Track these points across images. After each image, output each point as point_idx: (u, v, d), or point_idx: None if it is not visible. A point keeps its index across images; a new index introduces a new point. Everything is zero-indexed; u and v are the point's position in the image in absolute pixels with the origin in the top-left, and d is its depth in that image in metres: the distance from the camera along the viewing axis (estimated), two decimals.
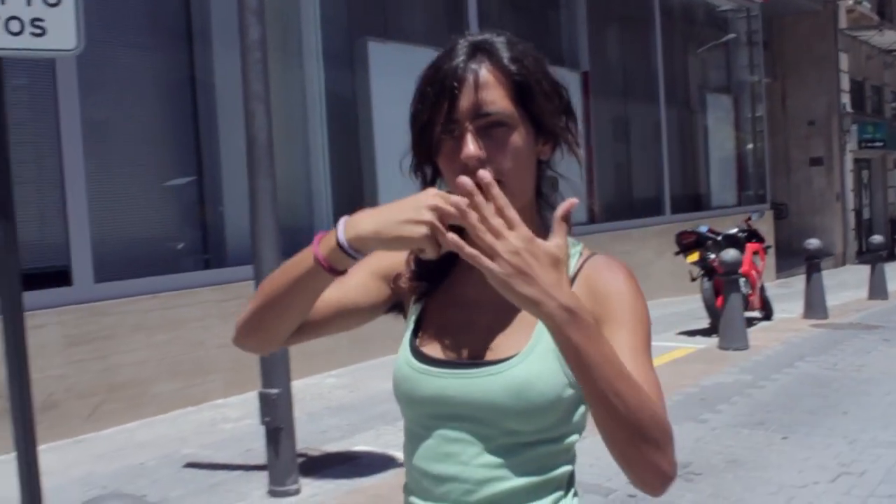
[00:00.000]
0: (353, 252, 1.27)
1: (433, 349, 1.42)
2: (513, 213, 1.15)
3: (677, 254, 10.32)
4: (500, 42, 1.37)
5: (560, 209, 1.19)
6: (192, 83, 7.84)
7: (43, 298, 6.14)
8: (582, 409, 1.37)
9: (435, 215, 1.21)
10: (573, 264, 1.40)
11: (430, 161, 1.40)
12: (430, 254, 1.24)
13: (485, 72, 1.33)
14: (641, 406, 1.19)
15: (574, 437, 1.39)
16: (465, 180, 1.16)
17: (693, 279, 10.15)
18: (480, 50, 1.35)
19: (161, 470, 5.46)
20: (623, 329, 1.32)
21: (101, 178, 6.87)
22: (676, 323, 10.49)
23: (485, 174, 1.16)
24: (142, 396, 6.68)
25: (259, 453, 5.35)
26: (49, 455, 5.77)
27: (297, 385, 5.61)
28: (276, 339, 1.44)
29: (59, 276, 6.39)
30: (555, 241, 1.18)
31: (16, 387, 3.69)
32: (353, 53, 9.35)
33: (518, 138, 1.34)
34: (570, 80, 12.27)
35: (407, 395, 1.41)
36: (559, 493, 1.37)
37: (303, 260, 1.32)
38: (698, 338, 9.52)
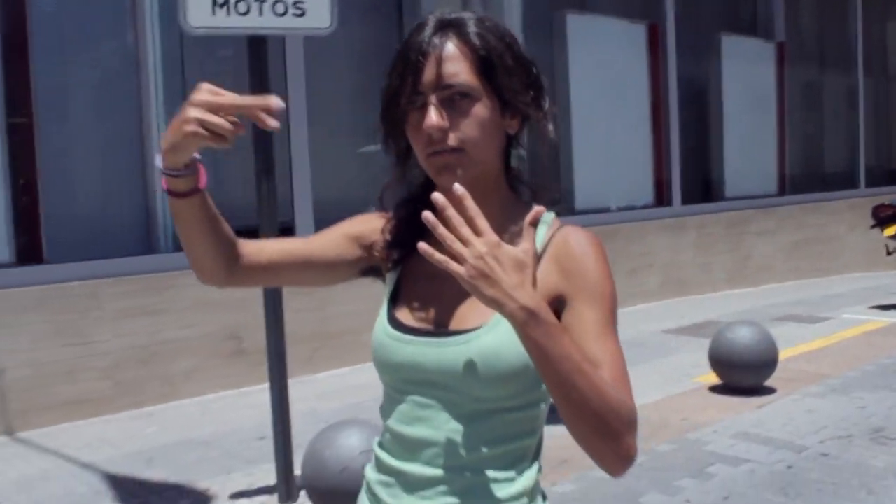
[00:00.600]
0: (169, 171, 1.34)
1: (407, 317, 1.47)
2: (482, 223, 1.23)
3: (873, 227, 10.14)
4: (468, 18, 1.41)
5: (530, 216, 1.26)
6: None
7: None
8: None
9: (201, 110, 1.25)
10: (541, 236, 1.43)
11: (399, 132, 1.45)
12: (214, 145, 1.28)
13: (450, 46, 1.37)
14: (600, 400, 1.24)
15: (542, 407, 1.44)
16: (437, 196, 1.23)
17: (889, 253, 9.97)
18: (448, 26, 1.40)
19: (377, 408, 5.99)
20: (588, 305, 1.36)
21: (322, 143, 7.48)
22: (869, 297, 10.33)
23: (457, 188, 1.23)
24: (353, 344, 7.26)
25: None
26: (268, 394, 6.45)
27: None
28: (210, 271, 1.50)
29: (284, 233, 7.04)
30: (522, 246, 1.24)
31: (272, 330, 4.26)
32: (553, 26, 9.67)
33: (481, 109, 1.38)
34: (764, 50, 12.23)
35: (382, 361, 1.47)
36: (525, 463, 1.43)
37: (170, 204, 1.42)
38: (893, 312, 9.38)
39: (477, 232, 1.22)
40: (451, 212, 1.22)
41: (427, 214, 1.22)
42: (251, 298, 6.59)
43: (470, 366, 1.34)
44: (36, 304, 5.73)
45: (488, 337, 1.35)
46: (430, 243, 1.25)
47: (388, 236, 1.54)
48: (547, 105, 1.46)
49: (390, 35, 8.30)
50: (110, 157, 6.65)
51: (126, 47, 6.76)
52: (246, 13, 3.93)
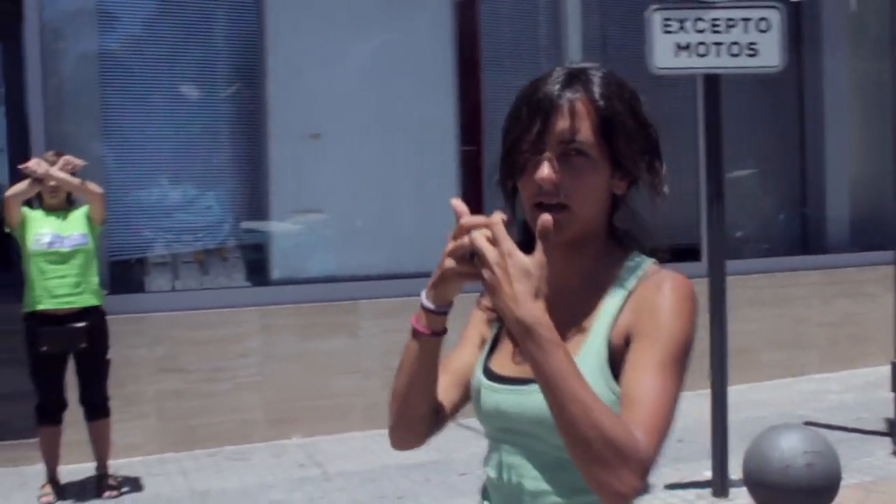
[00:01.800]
0: (435, 307, 1.40)
1: (498, 366, 1.49)
2: (497, 232, 1.25)
3: None
4: (596, 75, 1.42)
5: (539, 225, 1.26)
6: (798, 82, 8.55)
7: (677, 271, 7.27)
8: None
9: (450, 259, 1.32)
10: (632, 281, 1.42)
11: (512, 177, 1.45)
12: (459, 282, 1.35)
13: (577, 102, 1.38)
14: (591, 426, 1.20)
15: None
16: (456, 203, 1.32)
17: None
18: (576, 79, 1.41)
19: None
20: (650, 342, 1.34)
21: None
22: None
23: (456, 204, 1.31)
24: (751, 362, 7.54)
25: (872, 422, 5.93)
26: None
27: None
28: (422, 426, 1.53)
29: (690, 253, 7.48)
30: (533, 257, 1.24)
31: (716, 337, 4.73)
32: None
33: (594, 170, 1.39)
34: None
35: (477, 409, 1.50)
36: None
37: (408, 347, 1.46)
38: None
39: (494, 242, 1.24)
40: (466, 219, 1.28)
41: (466, 238, 1.27)
42: None
43: (548, 413, 1.27)
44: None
45: None
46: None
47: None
48: (661, 168, 1.46)
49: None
50: None
51: None
52: (704, 55, 4.45)
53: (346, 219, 6.61)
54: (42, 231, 4.86)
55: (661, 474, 5.20)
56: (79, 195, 4.95)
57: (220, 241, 6.47)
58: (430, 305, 1.40)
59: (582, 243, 1.44)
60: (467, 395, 1.55)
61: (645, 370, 1.31)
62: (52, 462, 5.08)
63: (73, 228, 4.91)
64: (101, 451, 5.13)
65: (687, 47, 4.44)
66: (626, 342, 1.37)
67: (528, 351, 1.22)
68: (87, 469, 5.31)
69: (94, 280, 4.96)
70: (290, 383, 6.07)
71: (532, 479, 1.41)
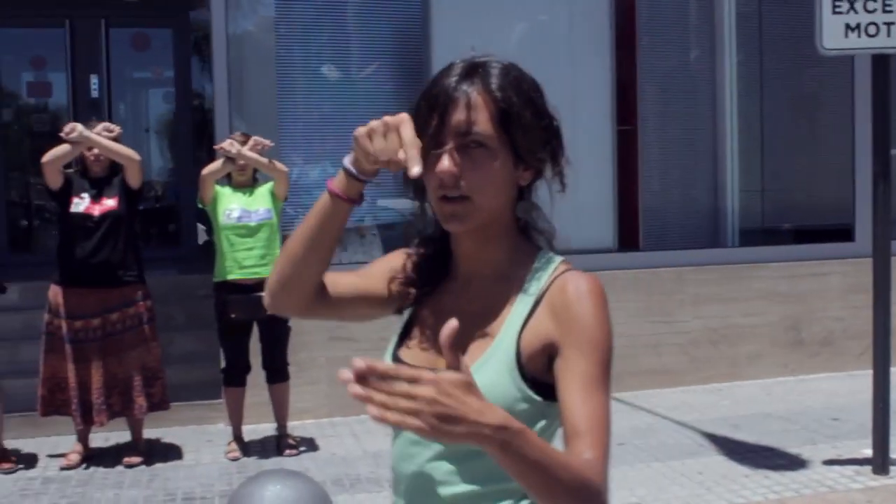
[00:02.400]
0: (357, 172, 1.40)
1: (408, 355, 1.48)
2: (407, 370, 1.13)
3: None
4: (494, 66, 1.43)
5: (443, 336, 1.15)
6: None
7: (829, 251, 7.23)
8: (542, 423, 1.40)
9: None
10: (542, 282, 1.43)
11: None
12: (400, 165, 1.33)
13: (474, 94, 1.39)
14: (570, 491, 1.22)
15: None
16: (347, 374, 1.13)
17: None
18: (474, 72, 1.41)
19: None
20: (579, 354, 1.34)
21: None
22: None
23: (358, 363, 1.13)
24: None
25: None
26: (827, 383, 6.88)
27: None
28: (307, 292, 1.51)
29: (843, 233, 7.42)
30: (461, 375, 1.14)
31: (879, 315, 4.76)
32: None
33: (494, 161, 1.39)
34: None
35: None
36: (509, 501, 1.41)
37: (319, 203, 1.44)
38: None
39: (411, 380, 1.12)
40: (379, 373, 1.12)
41: (344, 375, 1.13)
42: (813, 293, 7.09)
43: None
44: (631, 284, 6.73)
45: (475, 377, 1.22)
46: (443, 285, 1.47)
47: (407, 273, 1.55)
48: (563, 158, 1.48)
49: None
50: (690, 161, 7.51)
51: (704, 65, 7.56)
52: (874, 35, 4.46)
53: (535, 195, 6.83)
54: (231, 206, 5.25)
55: (817, 450, 5.27)
56: (267, 173, 5.31)
57: (375, 220, 6.80)
58: (352, 169, 1.40)
59: (491, 233, 1.46)
60: (357, 305, 1.57)
61: (584, 387, 1.32)
62: (236, 421, 5.49)
63: (260, 204, 5.28)
64: (280, 412, 5.51)
65: (856, 28, 4.46)
66: (546, 349, 1.38)
67: (514, 450, 1.16)
68: (267, 429, 5.72)
69: (278, 252, 5.32)
70: None
71: (438, 468, 1.42)
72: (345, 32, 6.94)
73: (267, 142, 5.31)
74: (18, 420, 5.58)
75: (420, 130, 1.36)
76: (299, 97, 6.78)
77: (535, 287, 1.42)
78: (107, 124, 5.24)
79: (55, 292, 5.18)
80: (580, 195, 6.66)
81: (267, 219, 5.28)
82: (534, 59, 6.34)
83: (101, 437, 5.63)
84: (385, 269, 1.58)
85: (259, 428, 5.77)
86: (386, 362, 1.23)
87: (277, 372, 5.44)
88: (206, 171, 5.29)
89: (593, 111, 7.01)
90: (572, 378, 1.33)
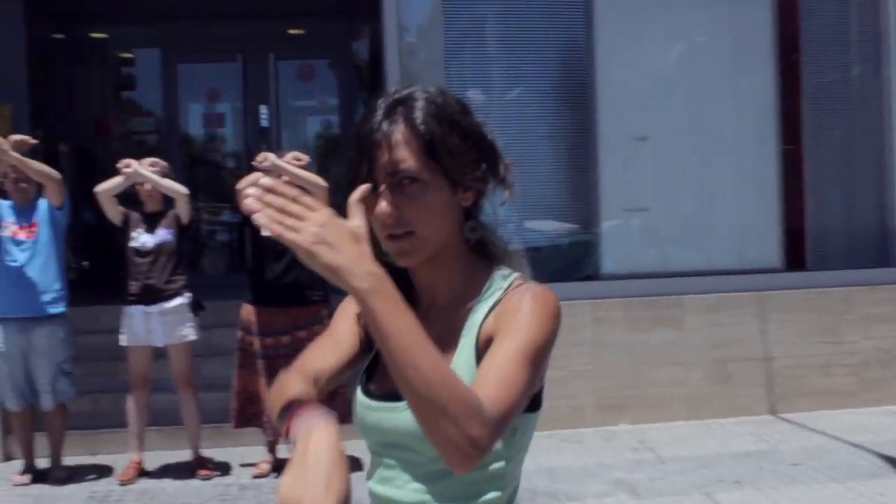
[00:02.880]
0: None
1: (376, 384, 1.53)
2: (309, 199, 1.22)
3: None
4: (417, 98, 1.45)
5: (354, 194, 1.31)
6: None
7: None
8: (514, 436, 1.46)
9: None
10: (496, 297, 1.48)
11: None
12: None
13: (397, 133, 1.41)
14: (438, 379, 1.24)
15: (499, 465, 1.47)
16: (249, 195, 1.27)
17: None
18: (396, 108, 1.44)
19: None
20: (507, 338, 1.38)
21: None
22: None
23: (264, 182, 1.23)
24: None
25: None
26: None
27: None
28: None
29: None
30: (354, 222, 1.27)
31: None
32: None
33: (428, 192, 1.42)
34: None
35: (358, 426, 1.55)
36: None
37: None
38: None
39: (309, 207, 1.22)
40: (272, 197, 1.22)
41: (248, 202, 1.25)
42: None
43: (420, 429, 1.31)
44: (800, 304, 6.69)
45: None
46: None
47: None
48: (502, 171, 1.51)
49: None
50: (856, 178, 7.41)
51: (869, 80, 7.44)
52: None
53: (671, 216, 6.92)
54: None
55: None
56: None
57: (553, 240, 6.97)
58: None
59: (442, 260, 1.49)
60: (343, 371, 1.57)
61: (495, 358, 1.36)
62: None
63: None
64: None
65: None
66: (486, 348, 1.42)
67: (373, 307, 1.23)
68: None
69: None
70: (618, 372, 6.44)
71: (411, 491, 1.47)
72: (511, 62, 7.15)
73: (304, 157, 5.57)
74: (209, 431, 5.95)
75: (355, 175, 1.42)
76: None
77: (488, 304, 1.47)
78: (296, 153, 5.57)
79: (248, 311, 5.53)
80: (745, 215, 6.75)
81: None
82: (695, 78, 6.46)
83: (286, 449, 5.95)
84: (350, 315, 1.60)
85: None
86: (294, 193, 1.24)
87: None
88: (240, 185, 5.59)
89: (756, 130, 7.03)
90: (491, 354, 1.38)
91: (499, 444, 1.37)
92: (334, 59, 10.69)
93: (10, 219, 5.53)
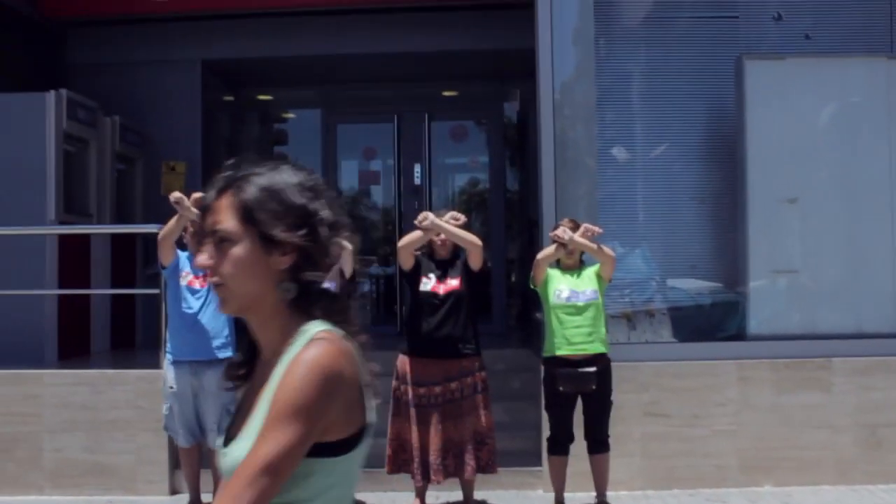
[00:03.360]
0: None
1: (231, 430, 1.71)
2: None
3: None
4: (241, 175, 1.68)
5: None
6: None
7: None
8: (313, 479, 1.59)
9: None
10: (294, 351, 1.60)
11: None
12: None
13: (222, 199, 1.67)
14: None
15: None
16: None
17: None
18: (226, 180, 1.68)
19: None
20: (268, 411, 1.55)
21: None
22: None
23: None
24: None
25: None
26: None
27: None
28: None
29: None
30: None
31: None
32: None
33: (239, 250, 1.64)
34: None
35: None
36: None
37: None
38: None
39: None
40: None
41: None
42: None
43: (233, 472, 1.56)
44: None
45: (237, 446, 1.60)
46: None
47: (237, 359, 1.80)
48: (324, 237, 1.67)
49: None
50: None
51: None
52: None
53: (819, 278, 6.90)
54: (561, 287, 5.72)
55: None
56: (595, 257, 5.75)
57: (696, 299, 7.04)
58: None
59: (262, 316, 1.68)
60: None
61: (245, 462, 1.53)
62: (559, 486, 5.87)
63: (587, 285, 5.71)
64: (600, 481, 5.83)
65: None
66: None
67: None
68: (584, 497, 6.04)
69: (603, 330, 5.72)
70: (764, 433, 6.42)
71: None
72: (661, 120, 7.32)
73: (596, 229, 5.74)
74: (362, 474, 6.23)
75: (200, 235, 1.70)
76: (618, 184, 7.21)
77: (289, 355, 1.60)
78: (454, 213, 5.87)
79: (403, 361, 5.83)
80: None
81: (593, 299, 5.69)
82: (845, 138, 6.48)
83: (433, 496, 6.17)
84: None
85: (576, 496, 6.11)
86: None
87: (599, 443, 5.77)
88: (541, 255, 5.80)
89: None
90: (251, 451, 1.53)
91: (299, 487, 1.57)
92: (485, 119, 11.08)
93: (187, 269, 6.00)
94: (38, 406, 6.66)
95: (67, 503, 6.32)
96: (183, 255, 6.04)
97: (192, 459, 6.07)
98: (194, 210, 5.79)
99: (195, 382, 5.87)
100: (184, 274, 5.98)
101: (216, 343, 5.90)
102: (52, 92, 8.02)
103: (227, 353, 5.91)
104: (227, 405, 5.89)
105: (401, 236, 6.21)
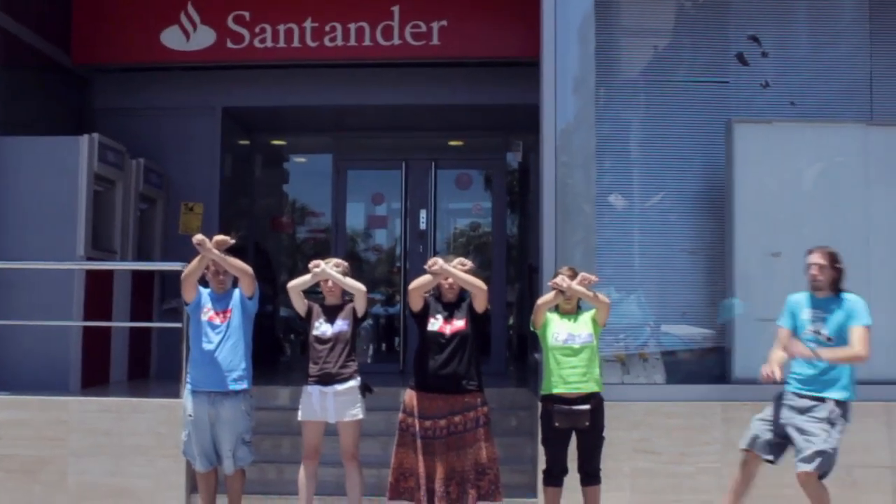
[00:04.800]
0: None
1: None
2: None
3: None
4: None
5: None
6: None
7: None
8: None
9: None
10: None
11: None
12: None
13: None
14: None
15: None
16: None
17: None
18: None
19: None
20: None
21: None
22: None
23: None
24: None
25: None
26: None
27: None
28: None
29: None
30: None
31: None
32: None
33: None
34: None
35: None
36: None
37: None
38: None
39: None
40: None
41: None
42: None
43: None
44: None
45: None
46: None
47: None
48: None
49: None
50: None
51: None
52: None
53: None
54: (559, 330, 6.15)
55: None
56: (591, 304, 6.20)
57: (687, 343, 7.48)
58: None
59: None
60: None
61: None
62: None
63: (583, 329, 6.14)
64: None
65: None
66: None
67: None
68: None
69: (597, 371, 6.14)
70: None
71: None
72: (656, 172, 7.72)
73: (593, 277, 6.19)
74: (364, 502, 6.63)
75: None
76: (615, 231, 7.63)
77: None
78: (461, 259, 6.33)
79: (410, 395, 6.24)
80: (876, 328, 7.03)
81: (588, 342, 6.11)
82: (830, 198, 6.92)
83: None
84: None
85: None
86: None
87: (592, 476, 6.16)
88: (540, 301, 6.23)
89: (889, 248, 7.39)
90: None
91: None
92: (489, 168, 11.60)
93: (208, 304, 6.43)
94: (65, 431, 7.08)
95: None
96: (205, 291, 6.47)
97: (208, 484, 6.45)
98: (215, 251, 6.26)
99: (212, 412, 6.24)
100: (205, 310, 6.39)
101: (232, 375, 6.28)
102: (86, 136, 8.53)
103: (243, 385, 6.32)
104: (242, 434, 6.29)
105: (406, 278, 6.67)
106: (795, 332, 5.98)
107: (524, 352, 11.19)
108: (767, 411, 6.06)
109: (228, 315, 6.38)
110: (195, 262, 6.27)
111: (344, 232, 11.46)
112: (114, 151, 9.00)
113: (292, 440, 7.48)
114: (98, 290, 8.65)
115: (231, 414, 6.25)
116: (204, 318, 6.37)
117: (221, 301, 6.43)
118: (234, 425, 6.26)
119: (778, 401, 6.01)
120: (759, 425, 6.06)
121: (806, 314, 5.98)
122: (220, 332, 6.33)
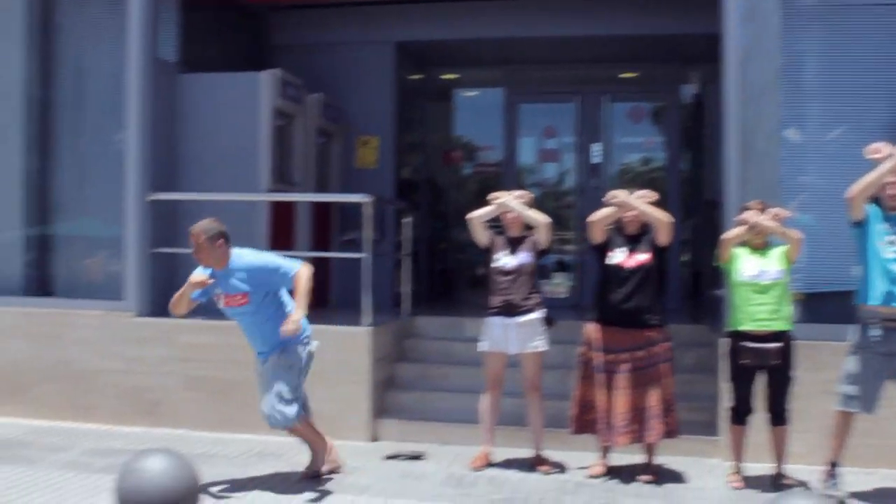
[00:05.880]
0: None
1: None
2: None
3: None
4: None
5: None
6: None
7: None
8: None
9: None
10: None
11: None
12: None
13: None
14: None
15: None
16: None
17: None
18: None
19: None
20: None
21: None
22: None
23: None
24: None
25: None
26: None
27: None
28: None
29: None
30: None
31: None
32: None
33: None
34: None
35: None
36: None
37: None
38: None
39: None
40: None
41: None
42: None
43: None
44: None
45: None
46: None
47: None
48: None
49: None
50: None
51: None
52: None
53: None
54: (747, 265, 5.96)
55: None
56: (781, 239, 5.97)
57: None
58: None
59: None
60: None
61: None
62: (738, 456, 6.15)
63: (773, 265, 5.93)
64: (778, 453, 6.08)
65: None
66: None
67: None
68: (760, 468, 6.28)
69: (787, 309, 5.94)
70: None
71: None
72: (852, 97, 7.27)
73: (785, 212, 5.96)
74: (549, 434, 6.67)
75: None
76: (802, 164, 7.29)
77: None
78: (646, 191, 6.23)
79: (591, 329, 6.22)
80: None
81: (778, 278, 5.91)
82: None
83: (616, 457, 6.53)
84: None
85: (754, 466, 6.34)
86: None
87: (779, 416, 6.01)
88: (727, 235, 6.05)
89: None
90: None
91: None
92: (663, 100, 11.29)
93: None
94: (252, 355, 7.39)
95: (279, 443, 7.00)
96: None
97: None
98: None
99: None
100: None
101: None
102: (268, 71, 8.75)
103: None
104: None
105: (587, 213, 6.58)
106: (867, 235, 5.71)
107: (698, 289, 10.96)
108: None
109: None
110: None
111: (515, 166, 11.42)
112: (293, 86, 9.20)
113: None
114: (280, 222, 8.92)
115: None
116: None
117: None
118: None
119: None
120: None
121: (882, 227, 5.68)
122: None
